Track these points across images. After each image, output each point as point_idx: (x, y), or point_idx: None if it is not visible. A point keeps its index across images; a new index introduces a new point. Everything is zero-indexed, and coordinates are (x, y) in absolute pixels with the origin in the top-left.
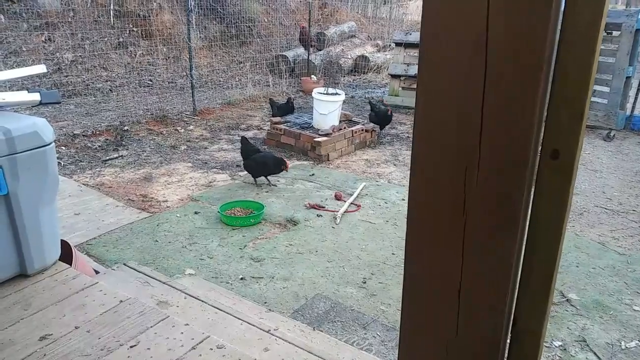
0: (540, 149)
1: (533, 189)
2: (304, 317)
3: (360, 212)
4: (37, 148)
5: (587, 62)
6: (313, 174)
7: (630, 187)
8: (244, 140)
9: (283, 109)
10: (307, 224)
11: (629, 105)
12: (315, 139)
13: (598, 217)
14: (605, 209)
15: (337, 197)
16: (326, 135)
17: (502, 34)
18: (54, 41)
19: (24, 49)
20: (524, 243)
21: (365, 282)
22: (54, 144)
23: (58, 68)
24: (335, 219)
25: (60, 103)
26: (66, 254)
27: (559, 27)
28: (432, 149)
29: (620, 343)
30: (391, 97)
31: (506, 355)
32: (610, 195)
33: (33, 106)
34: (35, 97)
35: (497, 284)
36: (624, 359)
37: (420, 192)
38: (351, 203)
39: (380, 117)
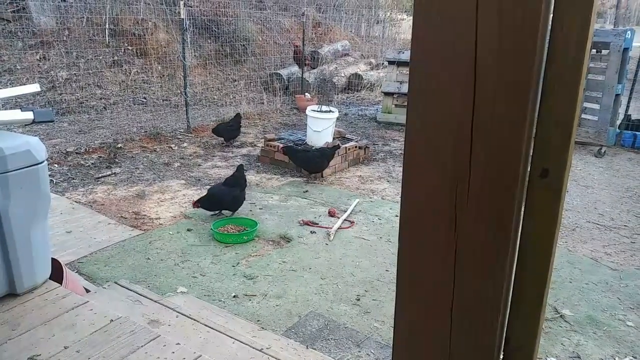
0: (529, 167)
1: (523, 207)
2: (297, 335)
3: (354, 229)
4: (29, 166)
5: (574, 82)
6: (307, 191)
7: (622, 203)
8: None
9: (225, 130)
10: (301, 240)
11: (619, 122)
12: None
13: (590, 233)
14: (597, 224)
15: (331, 214)
16: None
17: (490, 55)
18: (49, 59)
19: (19, 67)
20: (515, 261)
21: (359, 299)
22: (46, 162)
23: (52, 86)
24: (329, 235)
25: (53, 122)
26: (57, 273)
27: (547, 47)
28: (422, 168)
29: (614, 359)
30: (384, 114)
31: None
32: (602, 211)
33: (26, 125)
34: (29, 115)
35: (488, 302)
36: None
37: (411, 210)
38: (345, 219)
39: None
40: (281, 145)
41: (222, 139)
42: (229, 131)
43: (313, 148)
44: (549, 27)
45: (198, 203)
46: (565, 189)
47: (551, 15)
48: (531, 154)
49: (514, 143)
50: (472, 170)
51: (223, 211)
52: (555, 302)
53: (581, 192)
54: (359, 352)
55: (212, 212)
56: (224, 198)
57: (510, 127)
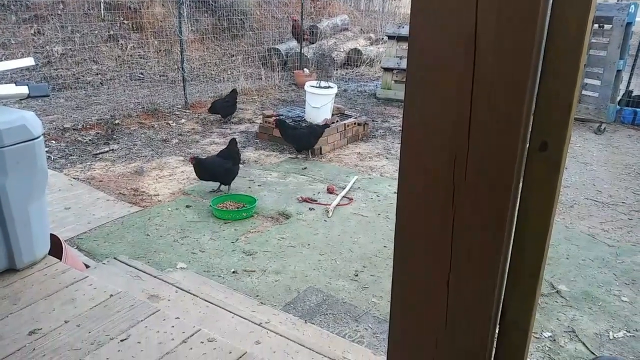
0: (528, 141)
1: (522, 181)
2: (296, 310)
3: (352, 206)
4: (25, 142)
5: (575, 55)
6: (305, 168)
7: (620, 180)
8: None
9: (222, 107)
10: (300, 217)
11: (619, 98)
12: None
13: (588, 210)
14: (595, 201)
15: (330, 191)
16: None
17: (491, 27)
18: (44, 34)
19: (13, 42)
20: (513, 234)
21: (357, 275)
22: (42, 137)
23: (48, 61)
24: (328, 212)
25: (49, 96)
26: (56, 248)
27: (548, 19)
28: (421, 143)
29: (609, 333)
30: (384, 90)
31: (495, 346)
32: (600, 188)
33: (21, 99)
34: (24, 90)
35: (485, 277)
36: (612, 349)
37: (409, 185)
38: (343, 196)
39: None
40: (273, 119)
41: (219, 115)
42: (225, 107)
43: (312, 124)
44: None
45: (194, 159)
46: (564, 162)
47: None
48: (530, 127)
49: (513, 118)
50: (470, 145)
51: (221, 187)
52: (551, 278)
53: (580, 169)
54: (357, 326)
55: (210, 189)
56: (215, 169)
57: (510, 102)
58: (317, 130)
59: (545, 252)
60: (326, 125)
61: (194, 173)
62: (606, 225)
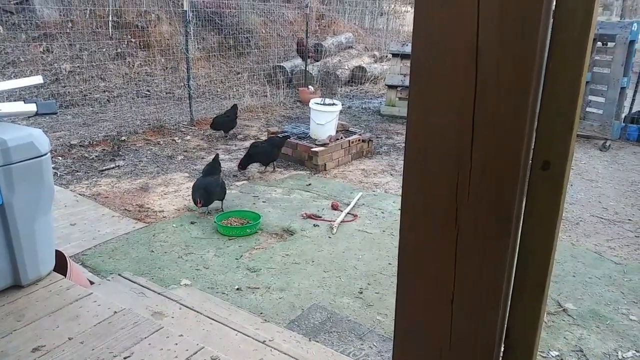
0: (530, 160)
1: (525, 200)
2: (300, 328)
3: (357, 222)
4: (32, 158)
5: (576, 74)
6: (310, 184)
7: (626, 197)
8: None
9: (223, 122)
10: (304, 234)
11: (624, 116)
12: (312, 149)
13: (594, 227)
14: (601, 218)
15: (334, 207)
16: (323, 145)
17: (492, 46)
18: (52, 52)
19: (22, 60)
20: (516, 254)
21: (361, 293)
22: (49, 154)
23: (56, 78)
24: (332, 229)
25: (56, 114)
26: (61, 265)
27: (549, 38)
28: (424, 161)
29: (617, 353)
30: (388, 107)
31: None
32: (606, 205)
33: (29, 117)
34: (32, 107)
35: (489, 295)
36: None
37: (412, 204)
38: (348, 213)
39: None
40: (238, 165)
41: (222, 131)
42: (226, 122)
43: (271, 137)
44: (552, 9)
45: (201, 202)
46: (567, 182)
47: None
48: (533, 145)
49: (515, 137)
50: (472, 163)
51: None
52: (558, 296)
53: (585, 186)
54: (362, 344)
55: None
56: (213, 189)
57: (512, 121)
58: (278, 141)
59: (550, 270)
60: (287, 136)
61: (204, 203)
62: (613, 243)
